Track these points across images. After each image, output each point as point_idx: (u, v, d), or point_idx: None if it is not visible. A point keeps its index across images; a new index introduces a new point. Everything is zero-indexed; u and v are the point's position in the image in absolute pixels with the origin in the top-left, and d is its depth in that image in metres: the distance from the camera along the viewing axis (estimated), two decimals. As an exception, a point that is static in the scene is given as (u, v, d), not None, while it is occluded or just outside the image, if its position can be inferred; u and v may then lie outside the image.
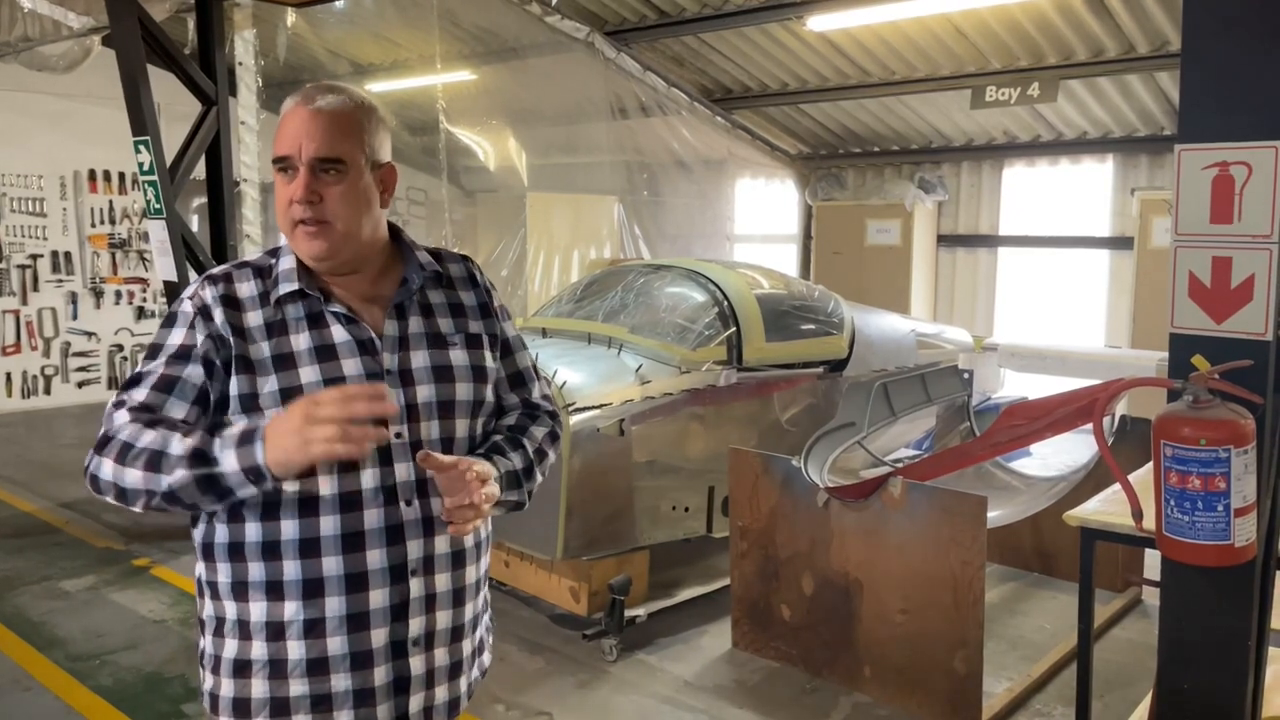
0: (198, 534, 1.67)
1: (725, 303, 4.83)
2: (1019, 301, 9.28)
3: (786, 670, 4.07)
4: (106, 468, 1.52)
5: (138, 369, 1.65)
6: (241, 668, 1.62)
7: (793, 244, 10.59)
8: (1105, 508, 2.89)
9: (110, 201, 9.82)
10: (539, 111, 9.23)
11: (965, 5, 6.69)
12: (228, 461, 1.48)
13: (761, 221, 10.60)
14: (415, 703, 1.66)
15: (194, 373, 1.60)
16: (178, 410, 1.58)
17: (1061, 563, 5.01)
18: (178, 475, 1.48)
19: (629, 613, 4.22)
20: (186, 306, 1.65)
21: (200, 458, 1.49)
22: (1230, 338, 2.23)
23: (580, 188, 9.36)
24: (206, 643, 1.68)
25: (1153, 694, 2.58)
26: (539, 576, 4.48)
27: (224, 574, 1.62)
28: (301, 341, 1.63)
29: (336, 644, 1.59)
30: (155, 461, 1.50)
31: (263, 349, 1.61)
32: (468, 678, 1.77)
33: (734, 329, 4.77)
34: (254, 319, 1.63)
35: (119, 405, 1.59)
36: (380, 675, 1.62)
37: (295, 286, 1.66)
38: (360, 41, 8.86)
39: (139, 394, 1.60)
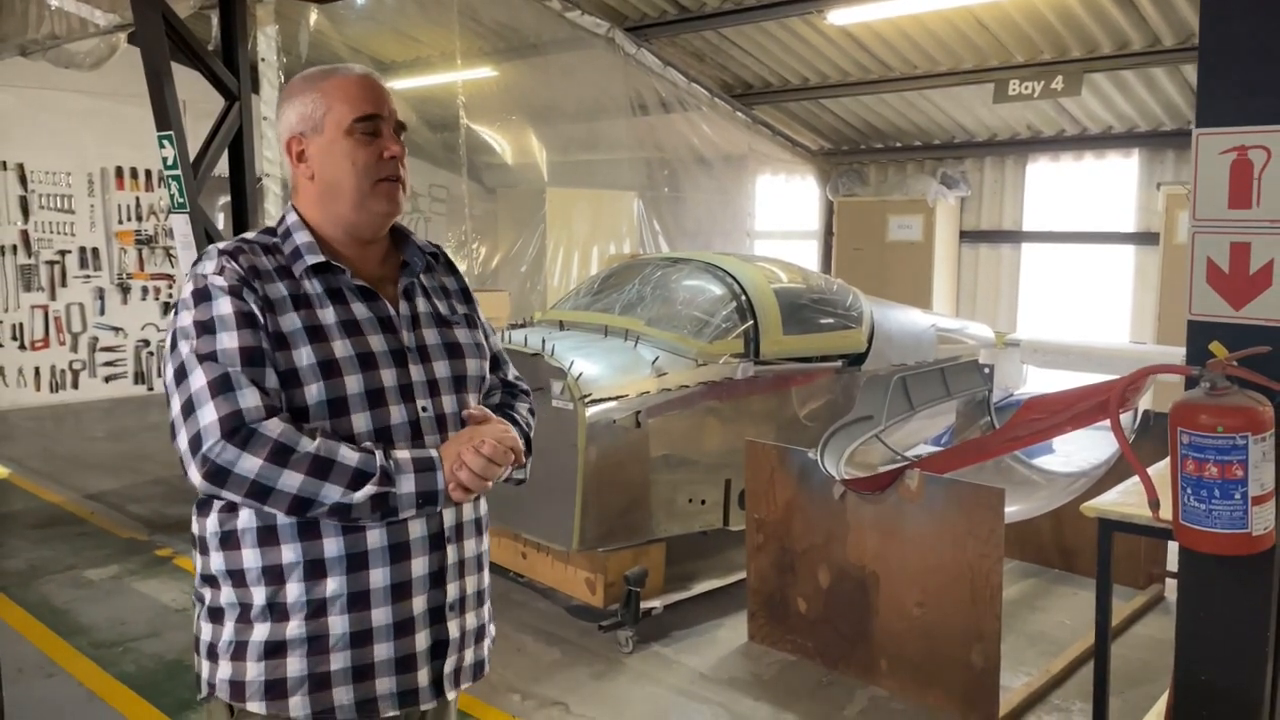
0: (211, 523, 1.64)
1: (743, 296, 4.82)
2: (1042, 297, 9.20)
3: (802, 663, 4.06)
4: (249, 463, 1.49)
5: (194, 351, 1.56)
6: (275, 649, 1.60)
7: (814, 240, 10.55)
8: (1124, 499, 2.86)
9: (137, 198, 9.95)
10: (559, 107, 9.25)
11: (988, -2, 6.64)
12: (405, 484, 1.56)
13: (782, 217, 10.57)
14: (449, 665, 1.72)
15: (263, 338, 1.58)
16: (271, 380, 1.56)
17: (1083, 559, 4.96)
18: (358, 490, 1.52)
19: (645, 605, 4.22)
20: (219, 280, 1.61)
21: (385, 477, 1.54)
22: (1249, 324, 2.21)
23: (600, 183, 9.37)
24: (224, 631, 1.64)
25: (1171, 685, 2.55)
26: (555, 568, 4.49)
27: (252, 560, 1.60)
28: (329, 315, 1.64)
29: (380, 614, 1.61)
30: (322, 469, 1.51)
31: (292, 320, 1.61)
32: (486, 641, 1.85)
33: (751, 322, 4.76)
34: (278, 291, 1.63)
35: (226, 389, 1.52)
36: (421, 641, 1.66)
37: (321, 259, 1.67)
38: (381, 38, 8.92)
39: (237, 373, 1.54)
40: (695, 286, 4.99)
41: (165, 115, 5.23)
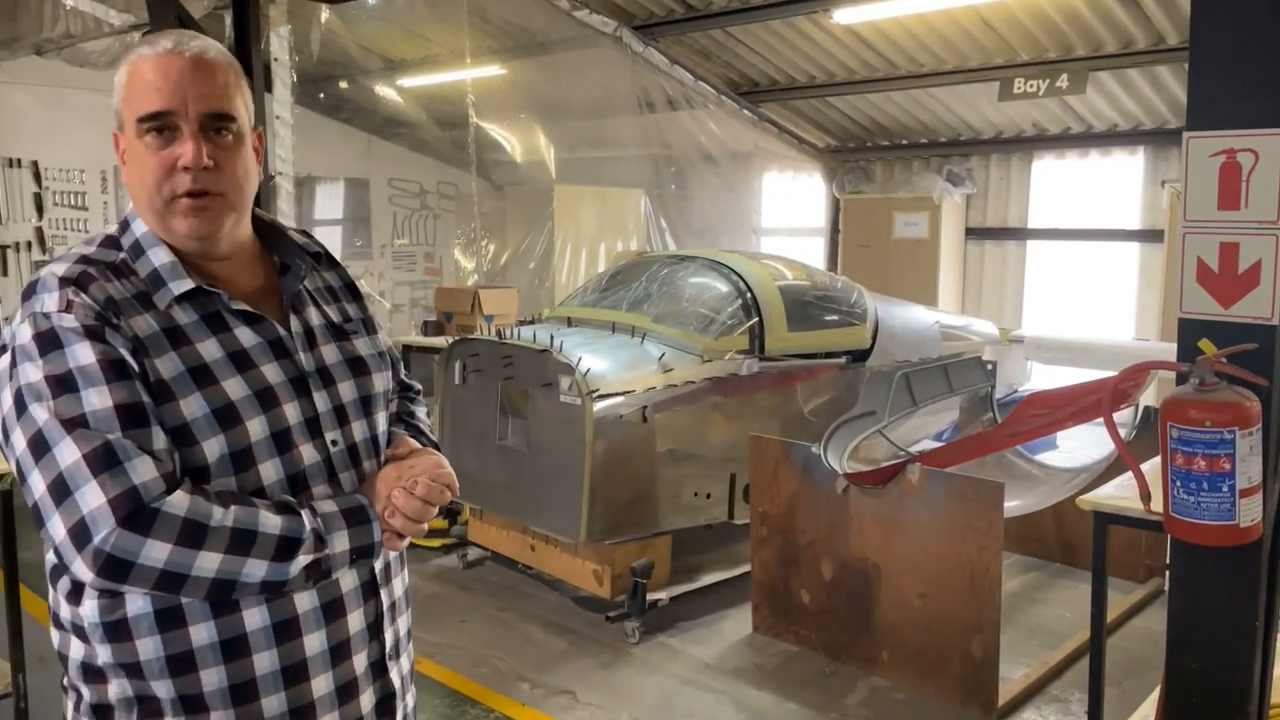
0: (89, 612, 1.31)
1: (748, 293, 4.89)
2: (1048, 294, 9.24)
3: (806, 654, 4.13)
4: (156, 551, 1.21)
5: (55, 415, 1.23)
6: None
7: (820, 237, 10.60)
8: (1119, 492, 2.92)
9: (148, 195, 10.06)
10: (567, 105, 9.32)
11: (992, -3, 6.69)
12: (338, 542, 1.33)
13: (788, 215, 10.63)
14: (398, 715, 1.54)
15: (140, 390, 1.28)
16: (159, 441, 1.26)
17: (1084, 554, 5.00)
18: (289, 561, 1.28)
19: (651, 596, 4.30)
20: (68, 320, 1.27)
21: (318, 541, 1.31)
22: (1237, 322, 2.26)
23: (607, 181, 9.44)
24: None
25: (1163, 674, 2.62)
26: (563, 560, 4.57)
27: (152, 649, 1.31)
28: (212, 349, 1.35)
29: (322, 683, 1.39)
30: (243, 542, 1.25)
31: (172, 362, 1.31)
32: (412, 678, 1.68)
33: (756, 319, 4.82)
34: (144, 326, 1.31)
35: (111, 463, 1.21)
36: (366, 702, 1.46)
37: (190, 284, 1.36)
38: (392, 37, 8.99)
39: (120, 441, 1.23)
40: (701, 284, 5.06)
41: (180, 114, 5.31)
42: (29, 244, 9.42)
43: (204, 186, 1.36)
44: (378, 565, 1.47)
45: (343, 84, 9.75)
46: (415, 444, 1.55)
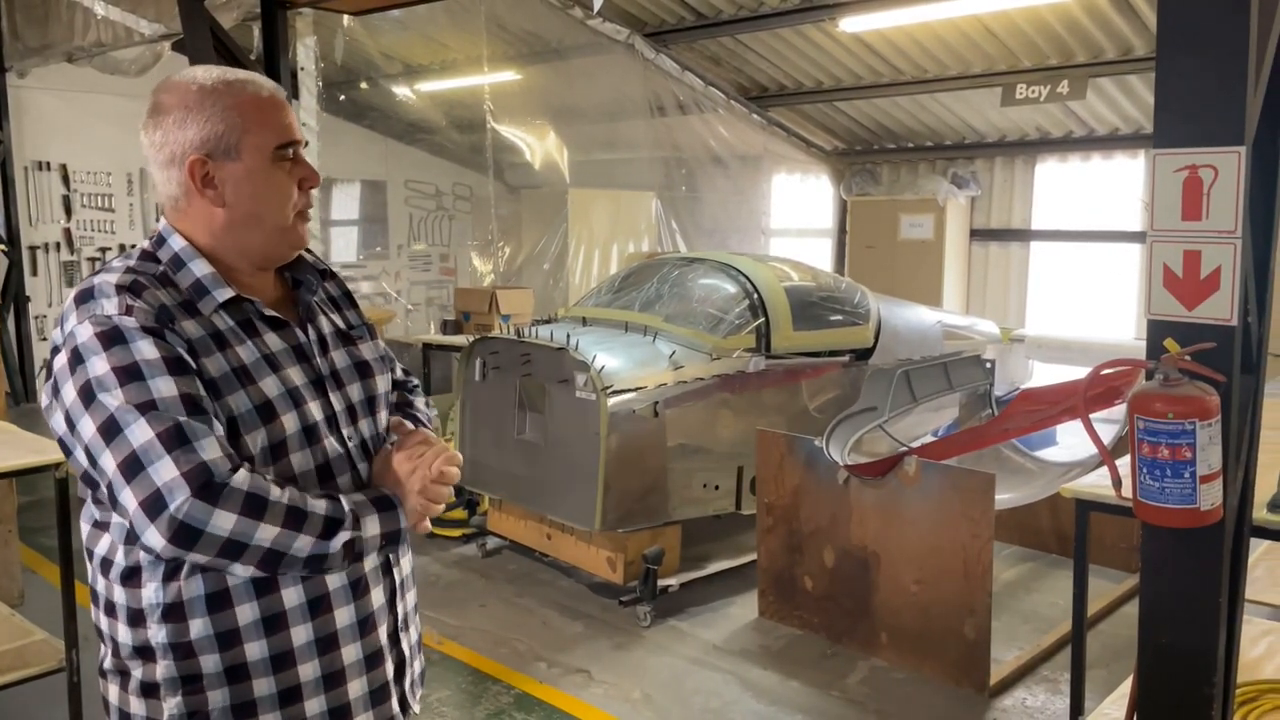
0: (150, 594, 1.46)
1: (755, 294, 5.10)
2: (1051, 295, 9.42)
3: (808, 637, 4.35)
4: (223, 521, 1.33)
5: (127, 401, 1.36)
6: (244, 710, 1.49)
7: (827, 238, 10.79)
8: (1099, 482, 3.13)
9: (172, 197, 10.32)
10: (581, 110, 9.54)
11: (995, 7, 6.88)
12: (369, 527, 1.46)
13: (796, 216, 10.82)
14: (407, 680, 1.71)
15: (198, 385, 1.42)
16: (218, 429, 1.40)
17: (1078, 544, 5.21)
18: (332, 539, 1.41)
19: (662, 582, 4.52)
20: (129, 321, 1.40)
21: (355, 521, 1.44)
22: (1200, 323, 2.47)
23: (620, 184, 9.66)
24: (168, 705, 1.48)
25: (1137, 650, 2.82)
26: (578, 547, 4.80)
27: (202, 629, 1.45)
28: (249, 352, 1.51)
29: (351, 652, 1.56)
30: (295, 519, 1.39)
31: (219, 362, 1.47)
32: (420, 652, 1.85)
33: (763, 319, 5.04)
34: (192, 330, 1.47)
35: (182, 441, 1.34)
36: (389, 669, 1.63)
37: (231, 293, 1.53)
38: (412, 44, 9.22)
39: (189, 423, 1.36)
40: (710, 285, 5.27)
41: (212, 122, 5.54)
42: (57, 245, 9.70)
43: (312, 204, 1.63)
44: None
45: (363, 85, 9.98)
46: (420, 431, 1.69)
